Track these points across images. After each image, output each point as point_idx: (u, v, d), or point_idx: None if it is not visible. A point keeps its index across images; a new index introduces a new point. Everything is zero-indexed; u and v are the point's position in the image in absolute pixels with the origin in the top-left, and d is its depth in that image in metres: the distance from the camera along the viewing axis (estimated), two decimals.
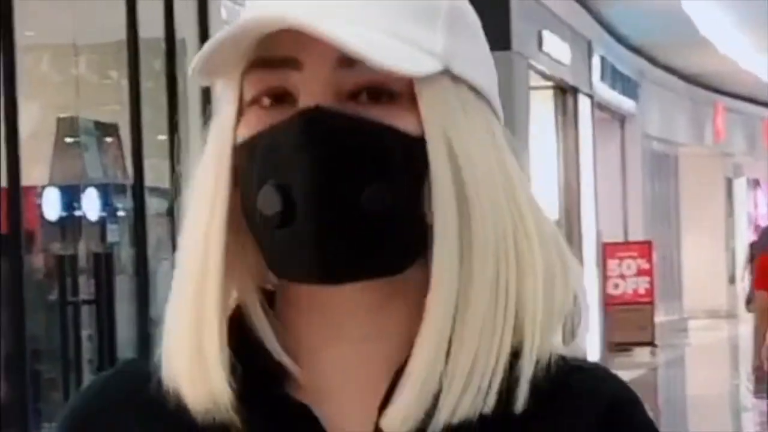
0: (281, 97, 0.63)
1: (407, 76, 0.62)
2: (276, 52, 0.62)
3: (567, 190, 12.98)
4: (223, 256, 0.63)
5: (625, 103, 15.95)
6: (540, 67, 11.89)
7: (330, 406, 0.65)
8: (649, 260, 15.33)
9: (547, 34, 11.99)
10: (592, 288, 13.40)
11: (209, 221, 0.64)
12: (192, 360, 0.63)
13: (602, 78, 14.49)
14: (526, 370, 0.62)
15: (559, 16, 12.42)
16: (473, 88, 0.65)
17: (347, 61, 0.61)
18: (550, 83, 13.00)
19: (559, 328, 0.64)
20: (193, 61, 0.63)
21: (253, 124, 0.63)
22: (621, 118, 16.41)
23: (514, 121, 10.44)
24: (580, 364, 0.66)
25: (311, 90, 0.62)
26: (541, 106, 12.58)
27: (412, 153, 0.62)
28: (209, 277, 0.63)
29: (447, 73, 0.64)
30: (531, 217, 0.64)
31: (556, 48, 12.40)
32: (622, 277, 15.18)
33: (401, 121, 0.62)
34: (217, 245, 0.63)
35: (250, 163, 0.63)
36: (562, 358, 0.64)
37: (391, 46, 0.62)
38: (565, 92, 13.28)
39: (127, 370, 0.70)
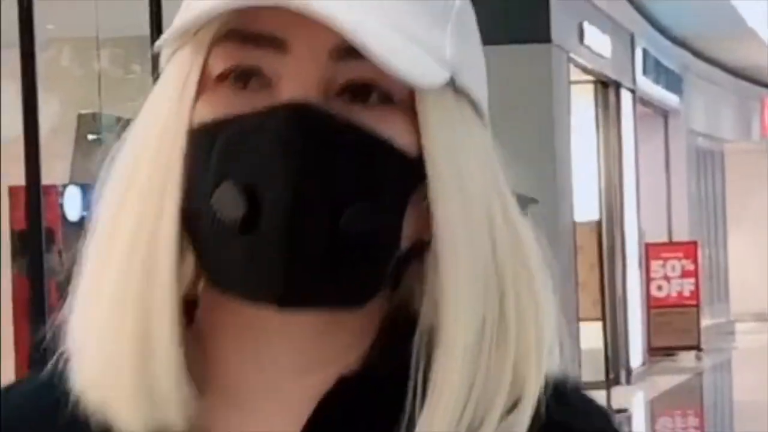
0: (252, 78, 0.56)
1: (416, 84, 0.55)
2: (258, 27, 0.55)
3: (608, 189, 12.79)
4: (175, 260, 0.56)
5: (669, 98, 15.73)
6: (581, 60, 11.71)
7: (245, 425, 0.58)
8: (695, 261, 15.13)
9: (588, 27, 11.76)
10: (634, 290, 13.20)
11: (157, 218, 0.55)
12: (137, 384, 0.55)
13: (645, 72, 14.28)
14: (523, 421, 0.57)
15: (600, 8, 12.22)
16: (473, 103, 0.60)
17: (343, 53, 0.55)
18: (591, 77, 12.79)
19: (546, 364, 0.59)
20: (167, 32, 0.56)
21: (218, 105, 0.56)
22: (664, 114, 16.25)
23: (554, 116, 10.30)
24: (567, 398, 0.60)
25: (298, 80, 0.55)
26: (582, 100, 12.41)
27: (406, 173, 0.57)
28: (159, 285, 0.55)
29: (451, 83, 0.58)
30: (529, 247, 0.60)
31: (598, 41, 12.18)
32: (666, 278, 14.99)
33: (397, 133, 0.56)
34: (168, 249, 0.55)
35: (207, 152, 0.55)
36: (551, 387, 0.58)
37: (400, 44, 0.54)
38: (606, 87, 13.04)
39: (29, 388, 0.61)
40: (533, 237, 0.61)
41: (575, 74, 11.79)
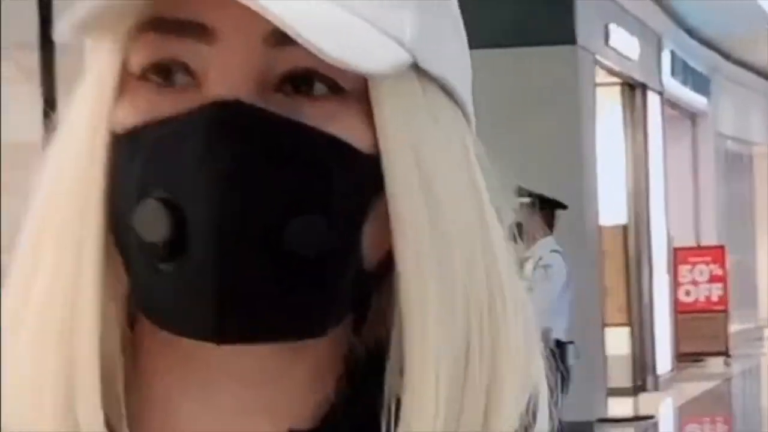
0: (178, 74, 0.48)
1: (359, 70, 0.46)
2: (181, 14, 0.47)
3: (635, 192, 12.68)
4: (98, 292, 0.48)
5: (697, 100, 15.60)
6: (607, 62, 11.64)
7: None
8: (723, 266, 15.01)
9: (614, 28, 11.68)
10: (662, 295, 13.06)
11: (80, 238, 0.48)
12: (65, 399, 0.48)
13: (672, 74, 14.18)
14: None
15: (626, 9, 12.10)
16: (446, 89, 0.51)
17: (280, 38, 0.46)
18: (617, 79, 12.72)
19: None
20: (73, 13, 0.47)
21: (141, 107, 0.48)
22: (692, 116, 16.12)
23: (580, 119, 10.21)
24: None
25: (227, 74, 0.47)
26: (608, 103, 12.30)
27: (362, 176, 0.48)
28: (83, 312, 0.48)
29: (414, 67, 0.49)
30: (505, 261, 0.51)
31: (624, 42, 12.08)
32: (694, 283, 14.87)
33: (349, 129, 0.48)
34: (92, 272, 0.48)
35: (129, 163, 0.47)
36: None
37: (339, 23, 0.46)
38: (633, 89, 12.93)
39: None
40: (509, 258, 0.52)
41: (601, 76, 11.73)
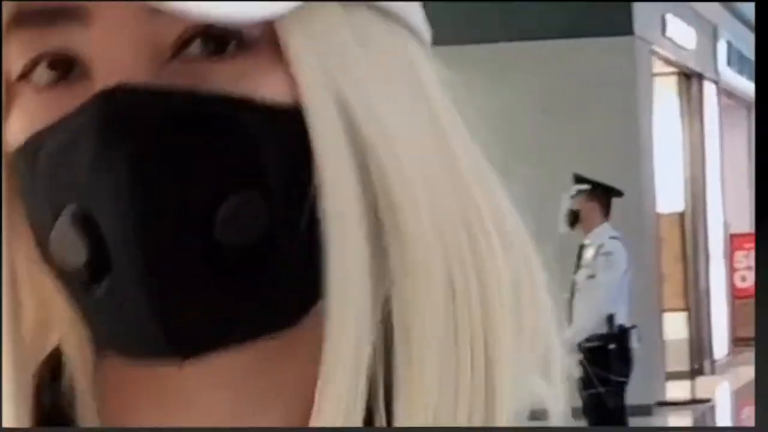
0: (68, 67, 0.40)
1: (245, 23, 0.39)
2: (48, 2, 0.39)
3: (692, 180, 12.58)
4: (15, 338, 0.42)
5: (753, 89, 15.32)
6: (664, 52, 11.57)
7: None
8: None
9: (670, 18, 11.64)
10: (718, 281, 13.06)
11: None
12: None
13: (728, 63, 14.02)
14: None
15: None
16: (378, 8, 0.42)
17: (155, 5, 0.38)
18: (674, 69, 12.63)
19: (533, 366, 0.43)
20: None
21: (31, 114, 0.41)
22: (748, 105, 15.85)
23: (638, 108, 10.24)
24: None
25: (110, 56, 0.39)
26: (665, 92, 12.25)
27: (287, 135, 0.39)
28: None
29: None
30: (487, 207, 0.42)
31: (681, 32, 12.03)
32: (750, 269, 14.65)
33: (262, 84, 0.39)
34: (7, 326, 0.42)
35: (32, 180, 0.40)
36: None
37: None
38: (689, 78, 12.85)
39: None
40: (506, 211, 0.44)
41: (658, 66, 11.65)
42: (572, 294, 6.64)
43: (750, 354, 13.85)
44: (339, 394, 0.40)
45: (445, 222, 0.41)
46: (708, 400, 10.90)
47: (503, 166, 0.44)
